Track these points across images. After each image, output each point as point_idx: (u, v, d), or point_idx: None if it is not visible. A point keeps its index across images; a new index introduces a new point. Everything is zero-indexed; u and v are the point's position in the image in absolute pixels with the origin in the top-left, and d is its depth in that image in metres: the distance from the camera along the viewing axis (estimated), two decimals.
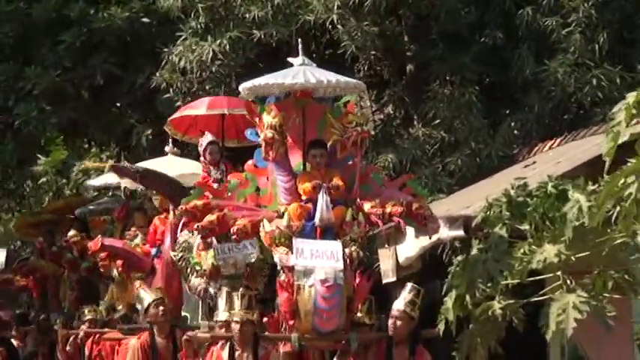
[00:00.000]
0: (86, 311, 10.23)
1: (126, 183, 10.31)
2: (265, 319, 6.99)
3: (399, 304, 6.61)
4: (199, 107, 8.89)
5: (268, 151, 6.61)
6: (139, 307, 8.42)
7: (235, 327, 6.70)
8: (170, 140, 10.04)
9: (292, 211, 6.60)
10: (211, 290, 7.98)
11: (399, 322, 6.58)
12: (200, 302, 8.20)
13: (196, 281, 8.10)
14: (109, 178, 11.69)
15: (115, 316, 10.37)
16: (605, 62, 11.26)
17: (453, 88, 11.42)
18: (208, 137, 8.43)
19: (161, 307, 7.81)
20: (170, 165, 9.74)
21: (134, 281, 10.19)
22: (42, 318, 13.05)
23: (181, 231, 7.96)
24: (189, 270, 8.20)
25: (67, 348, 10.39)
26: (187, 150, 11.11)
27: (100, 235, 10.29)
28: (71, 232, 11.35)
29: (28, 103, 13.20)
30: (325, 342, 6.67)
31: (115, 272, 10.43)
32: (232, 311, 6.75)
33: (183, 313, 8.52)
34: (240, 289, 7.04)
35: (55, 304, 12.70)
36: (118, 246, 9.71)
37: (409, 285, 6.80)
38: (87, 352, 8.56)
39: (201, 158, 8.44)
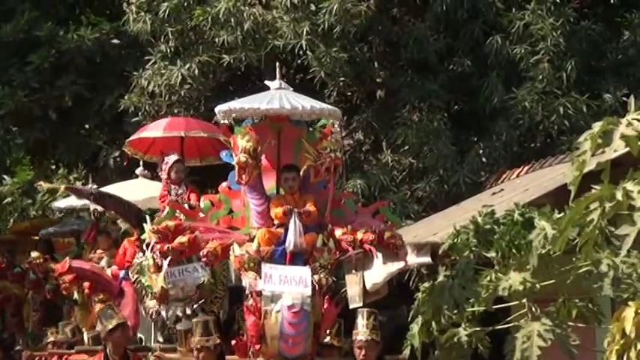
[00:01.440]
0: (49, 333, 10.13)
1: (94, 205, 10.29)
2: (233, 342, 6.95)
3: (364, 334, 6.60)
4: (156, 129, 8.94)
5: (242, 174, 6.60)
6: (99, 327, 8.34)
7: (199, 354, 6.68)
8: (142, 162, 10.02)
9: (260, 236, 6.59)
10: (163, 313, 7.97)
11: (370, 352, 6.59)
12: (152, 325, 8.18)
13: (150, 303, 8.09)
14: (74, 200, 11.64)
15: (85, 337, 10.30)
16: (573, 91, 11.38)
17: (422, 115, 11.48)
18: (175, 156, 8.45)
19: (124, 335, 7.72)
20: (140, 187, 9.72)
21: (96, 304, 10.13)
22: (6, 338, 12.91)
23: (151, 251, 7.93)
24: (143, 292, 8.20)
25: None
26: (157, 173, 11.05)
27: (67, 257, 10.21)
28: (34, 254, 11.26)
29: None
30: None
31: (76, 295, 10.37)
32: (195, 338, 6.71)
33: (138, 335, 8.51)
34: (200, 316, 7.02)
35: (18, 325, 12.57)
36: (86, 268, 9.65)
37: (365, 311, 6.81)
38: None
39: (163, 175, 8.44)
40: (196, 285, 7.87)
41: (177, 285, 7.84)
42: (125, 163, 9.94)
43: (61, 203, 12.26)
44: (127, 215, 8.78)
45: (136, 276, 8.27)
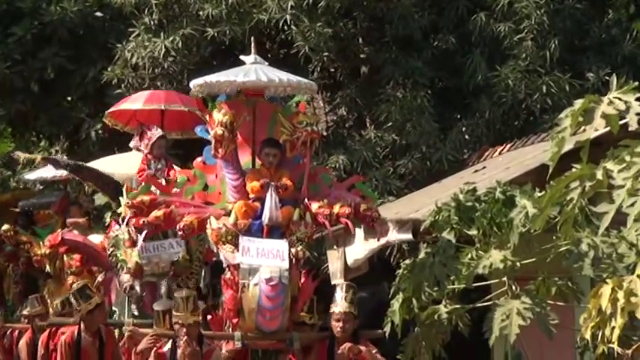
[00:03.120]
0: (35, 304, 10.01)
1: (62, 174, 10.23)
2: (209, 317, 6.93)
3: (341, 307, 6.57)
4: (137, 101, 8.86)
5: (218, 148, 6.56)
6: (74, 303, 8.31)
7: (181, 329, 6.61)
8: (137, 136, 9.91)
9: (237, 209, 6.55)
10: (137, 288, 7.95)
11: (346, 325, 6.56)
12: (126, 299, 8.16)
13: (124, 277, 8.06)
14: (44, 172, 11.56)
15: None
16: (556, 69, 11.36)
17: (406, 92, 11.44)
18: (159, 131, 8.37)
19: (99, 313, 7.68)
20: (134, 160, 9.64)
21: (69, 276, 10.09)
22: None
23: (127, 225, 7.88)
24: (118, 266, 8.16)
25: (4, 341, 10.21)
26: (133, 144, 10.94)
27: (60, 230, 10.13)
28: (4, 226, 11.17)
29: None
30: (268, 341, 6.63)
31: (48, 267, 10.32)
32: (177, 313, 6.65)
33: (112, 308, 8.48)
34: (184, 291, 6.96)
35: None
36: (78, 240, 9.57)
37: (344, 284, 6.79)
38: (41, 350, 8.37)
39: (144, 149, 8.36)
40: (171, 261, 7.83)
41: (152, 261, 7.79)
42: (107, 135, 9.85)
43: (31, 175, 12.17)
44: (105, 188, 8.71)
45: (111, 249, 8.23)
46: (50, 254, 10.39)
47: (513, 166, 8.90)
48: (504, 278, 5.48)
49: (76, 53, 13.11)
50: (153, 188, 7.01)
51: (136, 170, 8.34)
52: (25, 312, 9.66)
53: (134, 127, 8.88)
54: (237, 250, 6.47)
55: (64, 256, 10.37)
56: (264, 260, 6.42)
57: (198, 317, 6.66)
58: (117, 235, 8.16)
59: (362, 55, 12.15)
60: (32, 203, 12.11)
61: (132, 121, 8.93)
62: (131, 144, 9.93)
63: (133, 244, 7.80)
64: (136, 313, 8.07)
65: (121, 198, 8.04)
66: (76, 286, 7.90)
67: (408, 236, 7.81)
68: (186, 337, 6.54)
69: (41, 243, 10.70)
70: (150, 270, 7.82)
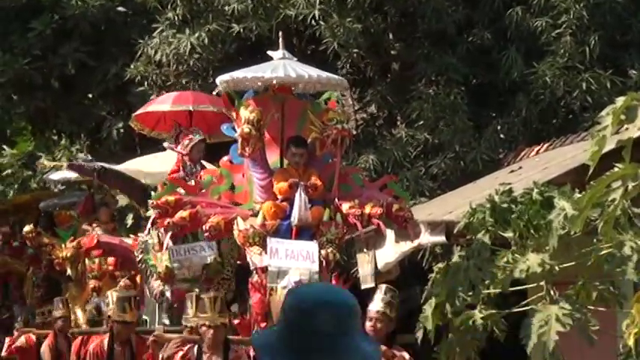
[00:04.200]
0: (60, 306, 10.08)
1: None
2: (237, 322, 6.97)
3: (376, 306, 6.61)
4: (164, 103, 8.90)
5: (245, 146, 6.58)
6: (110, 306, 8.38)
7: (208, 331, 6.64)
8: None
9: (266, 209, 6.57)
10: (167, 294, 7.95)
11: (379, 324, 6.58)
12: (157, 306, 8.18)
13: (155, 284, 8.08)
14: (68, 173, 11.66)
15: (80, 315, 10.35)
16: (596, 66, 11.30)
17: (438, 89, 11.43)
18: (200, 135, 8.40)
19: (127, 332, 7.70)
20: (166, 160, 9.70)
21: (89, 280, 10.17)
22: (5, 316, 12.94)
23: (153, 227, 7.93)
24: (147, 272, 8.18)
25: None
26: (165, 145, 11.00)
27: (95, 232, 10.22)
28: (27, 228, 11.28)
29: None
30: None
31: (69, 271, 10.40)
32: (203, 314, 6.69)
33: (142, 317, 8.52)
34: (211, 292, 7.00)
35: (16, 299, 12.61)
36: (114, 243, 9.65)
37: (384, 286, 6.80)
38: (73, 357, 8.42)
39: (181, 150, 8.38)
40: (203, 265, 7.84)
41: (183, 264, 7.80)
42: (129, 133, 9.90)
43: (55, 175, 12.28)
44: (131, 192, 8.77)
45: (140, 255, 8.24)
46: (72, 257, 10.49)
47: (551, 166, 8.87)
48: (542, 283, 5.47)
49: (98, 49, 13.21)
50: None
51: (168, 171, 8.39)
52: (56, 313, 9.71)
53: (161, 131, 8.93)
54: (265, 252, 6.49)
55: (86, 259, 10.46)
56: (294, 262, 6.44)
57: (225, 319, 6.69)
58: (146, 240, 8.18)
59: (393, 51, 12.15)
60: (54, 204, 12.24)
61: (159, 125, 8.98)
62: (165, 144, 10.00)
63: (164, 248, 7.82)
64: (166, 322, 8.06)
65: (149, 201, 8.07)
66: (121, 294, 7.87)
67: (441, 239, 7.80)
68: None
69: (63, 245, 10.81)
70: (181, 275, 7.83)
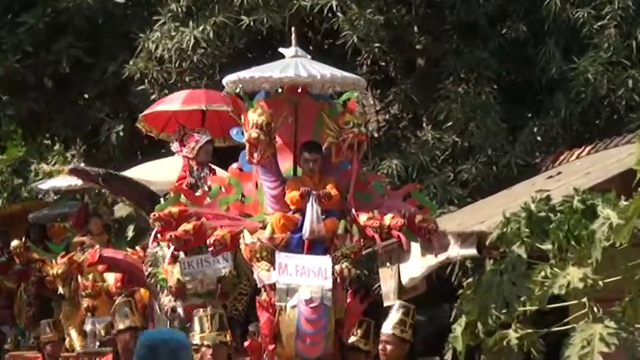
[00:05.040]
0: (47, 330, 10.14)
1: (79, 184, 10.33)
2: (246, 344, 6.97)
3: (386, 327, 6.64)
4: (174, 102, 8.90)
5: (253, 153, 6.59)
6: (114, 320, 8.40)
7: (207, 352, 6.67)
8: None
9: (275, 221, 6.58)
10: (179, 310, 7.97)
11: (388, 347, 6.61)
12: (168, 324, 8.19)
13: (166, 300, 8.09)
14: (59, 181, 11.70)
15: (74, 335, 10.41)
16: None
17: (468, 87, 11.43)
18: (207, 135, 8.41)
19: (134, 341, 7.70)
20: (177, 166, 9.69)
21: (83, 299, 10.20)
22: None
23: (153, 242, 7.95)
24: (158, 287, 8.19)
25: None
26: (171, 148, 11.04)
27: (97, 246, 10.26)
28: (14, 242, 11.33)
29: None
30: None
31: (61, 289, 10.43)
32: (202, 334, 6.71)
33: None
34: (209, 308, 7.02)
35: (4, 318, 12.68)
36: (118, 258, 9.67)
37: (397, 302, 6.82)
38: None
39: (187, 154, 8.38)
40: (217, 278, 7.85)
41: (196, 277, 7.82)
42: (129, 137, 9.91)
43: (45, 184, 12.33)
44: (140, 200, 8.76)
45: (149, 269, 8.26)
46: (63, 274, 10.53)
47: (594, 171, 8.85)
48: (584, 299, 5.45)
49: (94, 45, 13.27)
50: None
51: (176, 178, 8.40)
52: (44, 337, 9.75)
53: (171, 132, 8.95)
54: (274, 268, 6.50)
55: (79, 276, 10.50)
56: (304, 279, 6.45)
57: (225, 338, 6.70)
58: (155, 253, 8.20)
59: (418, 46, 12.16)
60: (44, 215, 12.30)
61: (168, 126, 9.00)
62: (173, 147, 10.01)
63: (175, 260, 7.84)
64: None
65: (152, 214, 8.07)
66: (119, 300, 7.89)
67: (472, 251, 7.80)
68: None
69: (54, 261, 10.85)
70: (193, 288, 7.84)
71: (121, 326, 7.49)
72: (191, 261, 7.80)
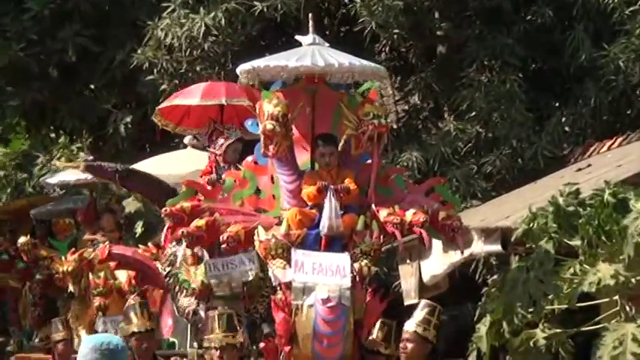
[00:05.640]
0: (59, 328, 10.14)
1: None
2: (262, 345, 6.98)
3: (409, 325, 6.62)
4: (192, 96, 8.89)
5: (268, 145, 6.59)
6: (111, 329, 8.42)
7: (214, 354, 6.68)
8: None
9: (291, 217, 6.58)
10: (201, 313, 7.97)
11: (409, 345, 6.59)
12: (188, 327, 8.20)
13: (185, 301, 8.09)
14: (67, 175, 11.72)
15: (83, 336, 10.41)
16: None
17: (492, 75, 11.41)
18: (238, 133, 8.44)
19: (144, 345, 7.69)
20: (187, 160, 9.69)
21: (94, 298, 10.22)
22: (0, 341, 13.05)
23: (166, 239, 7.96)
24: (177, 288, 8.20)
25: None
26: (202, 144, 11.06)
27: (107, 242, 10.29)
28: (21, 239, 11.34)
29: None
30: None
31: (71, 287, 10.45)
32: (210, 335, 6.71)
33: (170, 338, 8.51)
34: (219, 308, 7.02)
35: (14, 321, 12.71)
36: (128, 255, 9.69)
37: (422, 302, 6.79)
38: None
39: (215, 150, 8.40)
40: (243, 281, 7.86)
41: (222, 280, 7.82)
42: (158, 137, 9.94)
43: (52, 179, 12.35)
44: (158, 196, 8.76)
45: (167, 269, 8.27)
46: (74, 271, 10.55)
47: (626, 163, 8.83)
48: (616, 297, 5.45)
49: (101, 33, 13.29)
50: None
51: (192, 168, 8.41)
52: (55, 336, 9.76)
53: (187, 126, 8.96)
54: (290, 266, 6.50)
55: (90, 274, 10.52)
56: (322, 277, 6.44)
57: (234, 339, 6.66)
58: (174, 252, 8.21)
59: (439, 32, 12.14)
60: (47, 211, 12.30)
61: (185, 120, 9.01)
62: (186, 140, 10.00)
63: (197, 261, 7.83)
64: (196, 344, 8.06)
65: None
66: (132, 301, 7.87)
67: (497, 248, 7.79)
68: None
69: (64, 258, 10.88)
70: (220, 291, 7.85)
71: (131, 330, 7.49)
72: (216, 263, 7.81)
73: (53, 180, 12.31)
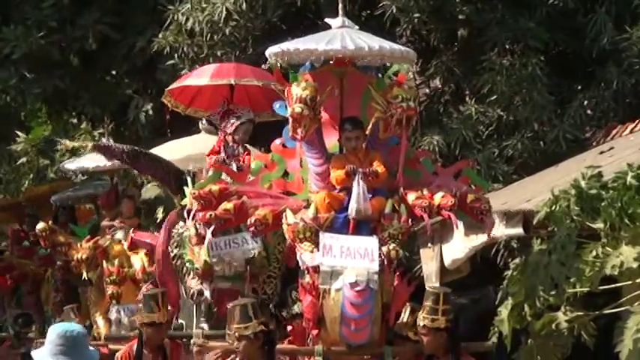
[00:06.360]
0: (71, 316, 10.22)
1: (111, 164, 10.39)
2: (289, 328, 7.01)
3: (419, 320, 6.57)
4: (201, 76, 8.94)
5: (297, 128, 6.60)
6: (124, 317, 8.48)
7: (239, 344, 6.65)
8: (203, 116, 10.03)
9: (319, 200, 6.60)
10: (207, 293, 8.00)
11: (425, 339, 6.57)
12: (194, 307, 8.24)
13: (193, 283, 8.14)
14: (86, 161, 11.78)
15: (100, 322, 10.50)
16: None
17: (514, 59, 11.37)
18: (250, 114, 8.47)
19: (161, 336, 7.72)
20: (201, 144, 9.75)
21: (108, 285, 10.27)
22: (20, 322, 13.08)
23: (193, 220, 8.00)
24: (184, 270, 8.24)
25: None
26: (214, 124, 11.10)
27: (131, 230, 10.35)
28: (40, 225, 11.39)
29: (6, 70, 13.29)
30: (355, 356, 6.69)
31: (85, 274, 10.49)
32: (232, 325, 6.68)
33: (178, 320, 8.58)
34: (241, 298, 7.01)
35: (35, 308, 12.78)
36: (146, 241, 9.73)
37: (426, 291, 6.75)
38: None
39: (227, 129, 8.42)
40: (246, 259, 7.90)
41: (224, 259, 7.87)
42: (167, 117, 10.00)
43: (72, 164, 12.41)
44: (166, 178, 8.82)
45: (175, 250, 8.31)
46: (88, 259, 10.61)
47: None
48: (638, 280, 5.45)
49: (122, 19, 13.33)
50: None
51: (207, 152, 8.45)
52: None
53: (198, 108, 9.00)
54: (318, 250, 6.53)
55: (104, 261, 10.59)
56: (350, 261, 6.47)
57: (246, 331, 6.57)
58: (182, 233, 8.26)
59: (460, 16, 12.10)
60: (67, 197, 12.36)
61: (195, 101, 9.05)
62: (201, 125, 10.02)
63: (201, 241, 7.88)
64: (204, 326, 8.10)
65: (185, 188, 8.13)
66: (147, 292, 7.92)
67: (519, 231, 7.79)
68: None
69: (79, 245, 10.93)
70: (221, 271, 7.89)
71: (145, 320, 7.54)
72: (219, 242, 7.84)
73: (72, 165, 12.38)
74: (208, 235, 7.18)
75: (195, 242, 8.04)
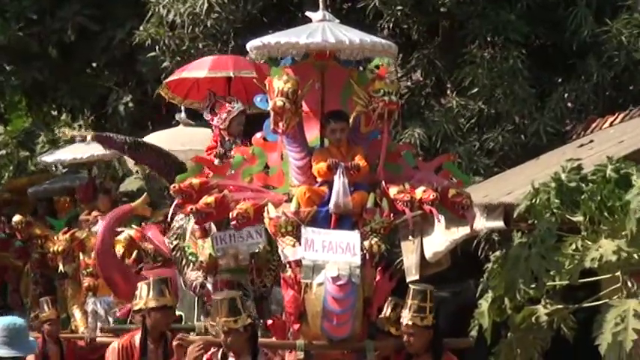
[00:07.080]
0: (45, 308, 10.13)
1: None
2: (269, 322, 7.01)
3: (406, 319, 6.58)
4: (200, 69, 8.92)
5: (278, 122, 6.60)
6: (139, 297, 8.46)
7: (226, 337, 6.65)
8: (183, 107, 10.03)
9: (300, 194, 6.60)
10: (208, 286, 8.01)
11: (412, 339, 6.58)
12: (196, 300, 8.24)
13: (192, 275, 8.13)
14: (63, 154, 11.74)
15: (77, 314, 10.49)
16: None
17: (495, 51, 11.40)
18: (240, 105, 8.46)
19: (168, 320, 7.68)
20: (181, 137, 9.72)
21: (84, 278, 10.25)
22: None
23: (173, 214, 8.00)
24: (184, 262, 8.24)
25: None
26: (200, 120, 11.11)
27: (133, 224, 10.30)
28: (16, 217, 11.34)
29: None
30: (336, 351, 6.70)
31: (61, 267, 10.45)
32: (222, 318, 6.69)
33: (177, 312, 8.57)
34: (226, 292, 7.02)
35: (16, 302, 12.75)
36: (157, 244, 9.69)
37: (411, 289, 6.75)
38: None
39: (218, 123, 8.42)
40: (251, 253, 7.91)
41: (228, 253, 7.86)
42: (164, 111, 9.98)
43: (49, 157, 12.36)
44: (166, 170, 8.80)
45: (175, 242, 8.31)
46: (64, 251, 10.58)
47: (628, 139, 8.85)
48: (618, 273, 5.49)
49: (102, 11, 13.29)
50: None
51: (200, 149, 8.44)
52: (42, 316, 9.82)
53: (194, 100, 8.99)
54: (299, 244, 6.54)
55: (80, 254, 10.56)
56: (331, 255, 6.47)
57: (236, 324, 6.56)
58: (182, 225, 8.26)
59: (442, 8, 12.12)
60: (44, 189, 12.31)
61: (191, 93, 9.05)
62: (178, 117, 10.00)
63: (205, 234, 7.88)
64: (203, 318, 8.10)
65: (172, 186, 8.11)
66: (156, 277, 7.86)
67: (499, 224, 7.81)
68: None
69: (56, 237, 10.90)
70: (226, 264, 7.89)
71: (155, 304, 7.47)
72: (224, 236, 7.83)
73: (49, 158, 12.33)
74: (214, 228, 7.14)
75: (199, 235, 8.03)
